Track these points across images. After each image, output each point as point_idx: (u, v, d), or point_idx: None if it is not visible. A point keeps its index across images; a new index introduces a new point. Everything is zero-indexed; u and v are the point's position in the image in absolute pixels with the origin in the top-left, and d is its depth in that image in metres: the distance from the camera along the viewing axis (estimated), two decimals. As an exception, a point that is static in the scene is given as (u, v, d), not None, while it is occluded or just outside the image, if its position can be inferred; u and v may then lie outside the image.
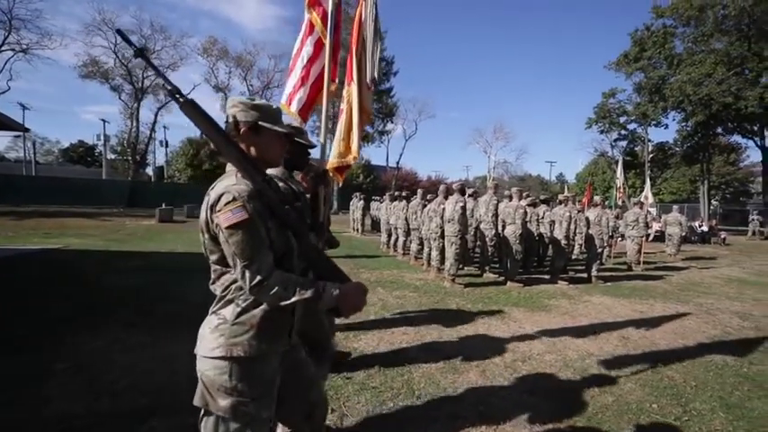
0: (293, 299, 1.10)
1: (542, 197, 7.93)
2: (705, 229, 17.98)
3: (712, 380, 3.11)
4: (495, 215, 6.32)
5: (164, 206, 15.21)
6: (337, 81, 2.88)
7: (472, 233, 6.91)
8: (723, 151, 34.93)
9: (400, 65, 55.72)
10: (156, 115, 27.20)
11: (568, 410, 2.52)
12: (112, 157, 36.68)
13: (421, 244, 7.37)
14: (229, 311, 1.15)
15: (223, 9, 75.24)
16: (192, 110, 1.12)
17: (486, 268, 6.85)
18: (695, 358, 3.55)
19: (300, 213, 1.28)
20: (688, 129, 26.67)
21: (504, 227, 6.22)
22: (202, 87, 35.14)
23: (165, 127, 34.26)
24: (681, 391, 2.89)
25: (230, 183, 1.11)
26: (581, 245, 7.01)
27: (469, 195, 7.20)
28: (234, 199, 1.06)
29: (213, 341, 1.13)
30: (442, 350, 3.39)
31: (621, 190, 12.36)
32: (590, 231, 6.81)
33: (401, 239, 8.58)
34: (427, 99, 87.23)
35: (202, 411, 1.19)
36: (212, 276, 1.21)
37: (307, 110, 2.86)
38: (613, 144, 33.17)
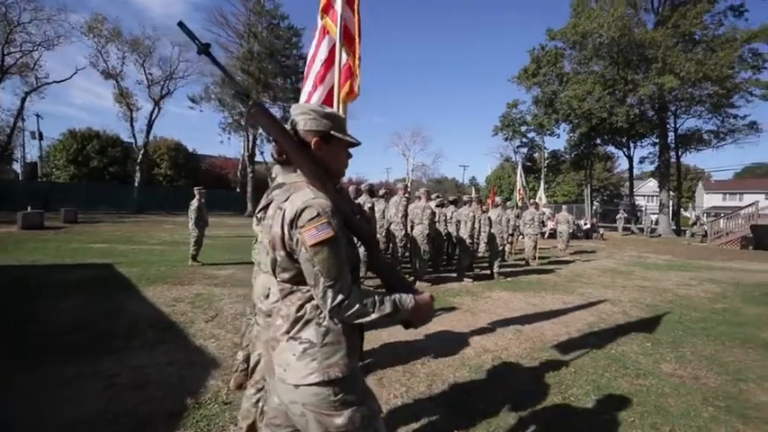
0: (373, 315, 1.07)
1: (450, 198, 8.26)
2: (588, 226, 20.68)
3: (588, 364, 3.40)
4: (405, 215, 6.36)
5: (29, 209, 12.64)
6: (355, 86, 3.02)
7: (383, 234, 6.88)
8: (602, 159, 40.84)
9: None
10: (23, 101, 22.61)
11: (461, 412, 2.50)
12: (-37, 149, 29.81)
13: (333, 246, 7.13)
14: (312, 333, 1.08)
15: (118, -14, 66.40)
16: (263, 115, 1.08)
17: (398, 269, 6.88)
18: (575, 345, 3.88)
19: (370, 224, 1.21)
20: (575, 139, 30.56)
21: (413, 227, 6.29)
22: (88, 72, 30.03)
23: (38, 115, 28.68)
24: (562, 379, 3.09)
25: (309, 196, 1.04)
26: (486, 243, 7.40)
27: (380, 196, 7.18)
28: (318, 215, 1.00)
29: (305, 367, 1.06)
30: (340, 360, 3.20)
31: (521, 192, 13.57)
32: (492, 230, 7.24)
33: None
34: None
35: None
36: (277, 295, 1.14)
37: None
38: (516, 150, 36.63)
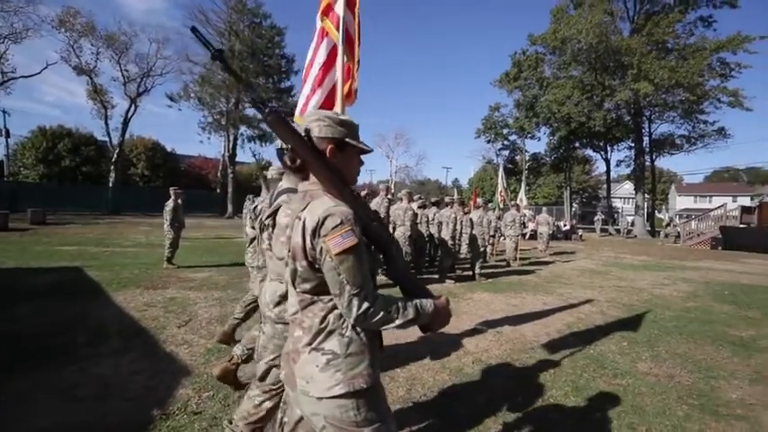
0: (398, 321, 1.06)
1: (433, 199, 8.26)
2: (568, 227, 21.13)
3: (567, 365, 3.41)
4: (387, 217, 6.31)
5: (-7, 210, 12.03)
6: (353, 88, 2.98)
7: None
8: (580, 162, 41.83)
9: (302, 64, 54.35)
10: (-12, 96, 21.63)
11: (441, 417, 2.46)
12: None
13: (314, 248, 7.02)
14: (336, 344, 1.06)
15: (94, -20, 64.14)
16: (280, 123, 1.06)
17: (379, 270, 6.82)
18: (555, 345, 3.90)
19: (387, 230, 1.23)
20: (555, 142, 31.26)
21: (394, 228, 6.25)
22: (61, 67, 28.81)
23: (4, 111, 27.36)
24: (542, 380, 3.08)
25: (330, 204, 1.03)
26: (468, 244, 7.42)
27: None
28: (342, 222, 0.99)
29: (329, 379, 1.04)
30: (318, 365, 3.11)
31: (503, 194, 13.74)
32: (473, 232, 7.26)
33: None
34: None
35: None
36: (296, 306, 1.11)
37: None
38: (498, 153, 37.22)
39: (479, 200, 8.48)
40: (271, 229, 1.63)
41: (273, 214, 1.44)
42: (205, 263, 7.71)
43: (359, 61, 2.97)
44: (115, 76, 24.85)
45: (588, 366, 3.39)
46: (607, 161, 31.26)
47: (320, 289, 1.06)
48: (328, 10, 2.85)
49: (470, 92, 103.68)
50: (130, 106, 25.06)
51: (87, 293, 5.04)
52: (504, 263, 9.64)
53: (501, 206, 13.39)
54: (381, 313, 1.03)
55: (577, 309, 5.48)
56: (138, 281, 5.82)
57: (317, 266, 1.04)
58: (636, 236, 25.18)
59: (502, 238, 10.65)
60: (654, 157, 28.33)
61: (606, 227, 27.22)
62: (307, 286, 1.08)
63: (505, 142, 35.72)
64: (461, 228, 7.02)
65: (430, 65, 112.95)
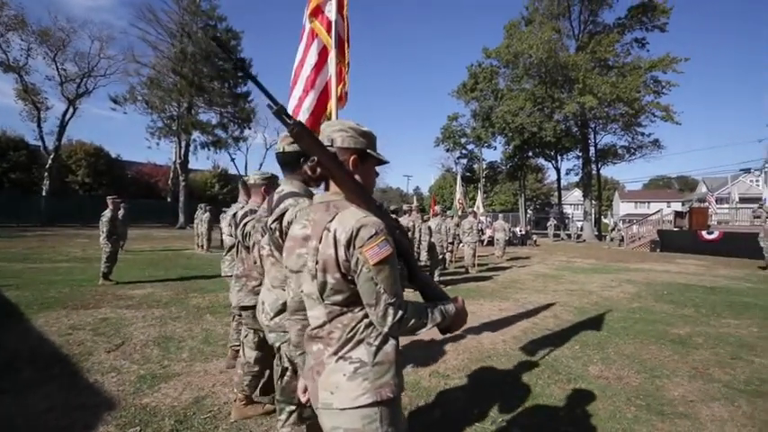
0: (428, 326, 1.10)
1: (392, 207, 8.21)
2: (523, 233, 21.98)
3: (523, 372, 3.40)
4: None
5: None
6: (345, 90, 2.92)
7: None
8: (533, 171, 43.98)
9: (260, 69, 53.22)
10: None
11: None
12: None
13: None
14: (363, 353, 1.05)
15: (27, -28, 59.14)
16: (305, 135, 1.04)
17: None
18: (511, 353, 3.91)
19: (407, 237, 1.24)
20: (509, 151, 32.62)
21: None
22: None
23: None
24: (499, 391, 3.04)
25: (361, 214, 1.03)
26: (427, 252, 7.41)
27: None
28: (376, 233, 1.00)
29: (356, 388, 1.01)
30: (265, 388, 2.88)
31: (461, 201, 14.03)
32: (432, 239, 7.27)
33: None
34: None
35: None
36: (322, 318, 1.10)
37: (317, 118, 2.80)
38: (456, 161, 38.21)
39: (437, 207, 8.54)
40: (277, 234, 1.58)
41: (280, 218, 1.43)
42: (148, 278, 7.13)
43: (349, 63, 2.93)
44: (50, 75, 22.89)
45: (543, 372, 3.40)
46: (557, 170, 33.09)
47: (351, 300, 1.05)
48: (317, 11, 2.81)
49: (431, 101, 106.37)
50: (68, 108, 23.20)
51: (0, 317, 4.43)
52: (463, 269, 9.76)
53: (459, 213, 13.64)
54: (413, 320, 1.05)
55: (532, 314, 5.58)
56: (66, 300, 5.23)
57: (350, 278, 1.03)
58: (585, 240, 26.67)
59: (460, 244, 10.80)
60: (599, 165, 30.30)
61: (558, 232, 28.66)
62: (338, 298, 1.06)
63: (463, 151, 36.81)
64: (420, 235, 7.00)
65: (391, 73, 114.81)
